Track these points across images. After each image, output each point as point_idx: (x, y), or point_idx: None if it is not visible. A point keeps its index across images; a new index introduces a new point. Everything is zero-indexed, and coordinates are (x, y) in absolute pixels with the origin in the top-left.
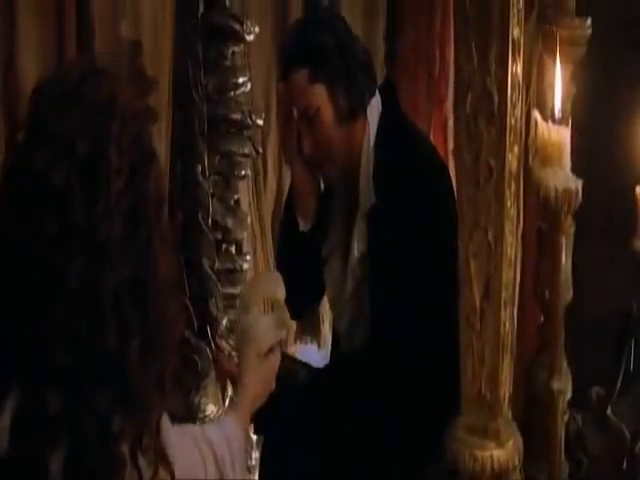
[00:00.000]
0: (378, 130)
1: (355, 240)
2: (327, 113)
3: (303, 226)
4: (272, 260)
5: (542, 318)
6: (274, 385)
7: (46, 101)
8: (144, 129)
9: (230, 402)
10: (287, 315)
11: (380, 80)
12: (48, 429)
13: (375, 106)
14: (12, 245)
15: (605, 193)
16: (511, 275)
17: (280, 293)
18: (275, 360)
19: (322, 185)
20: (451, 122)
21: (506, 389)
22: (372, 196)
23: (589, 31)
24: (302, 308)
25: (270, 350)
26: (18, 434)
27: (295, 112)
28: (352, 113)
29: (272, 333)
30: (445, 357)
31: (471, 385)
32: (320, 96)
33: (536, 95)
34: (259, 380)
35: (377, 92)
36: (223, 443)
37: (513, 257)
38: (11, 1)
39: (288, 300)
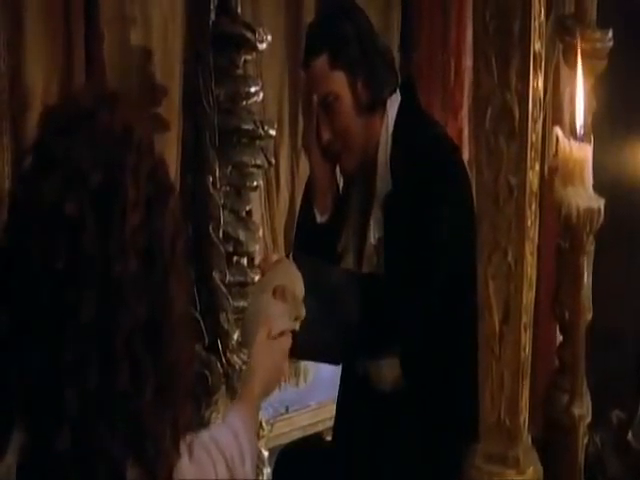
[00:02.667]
0: (396, 120)
1: (371, 227)
2: (346, 101)
3: (320, 218)
4: None
5: (560, 338)
6: (285, 371)
7: (57, 127)
8: (160, 162)
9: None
10: (303, 312)
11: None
12: (56, 470)
13: (395, 99)
14: (20, 279)
15: (621, 208)
16: (531, 297)
17: (299, 289)
18: (286, 343)
19: (340, 179)
20: (466, 132)
21: (526, 415)
22: (389, 184)
23: (610, 43)
24: None
25: (281, 333)
26: (25, 473)
27: (315, 99)
28: (371, 105)
29: (286, 319)
30: (462, 353)
31: (490, 411)
32: (340, 83)
33: (552, 109)
34: (269, 364)
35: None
36: (231, 441)
37: (534, 278)
38: (18, 10)
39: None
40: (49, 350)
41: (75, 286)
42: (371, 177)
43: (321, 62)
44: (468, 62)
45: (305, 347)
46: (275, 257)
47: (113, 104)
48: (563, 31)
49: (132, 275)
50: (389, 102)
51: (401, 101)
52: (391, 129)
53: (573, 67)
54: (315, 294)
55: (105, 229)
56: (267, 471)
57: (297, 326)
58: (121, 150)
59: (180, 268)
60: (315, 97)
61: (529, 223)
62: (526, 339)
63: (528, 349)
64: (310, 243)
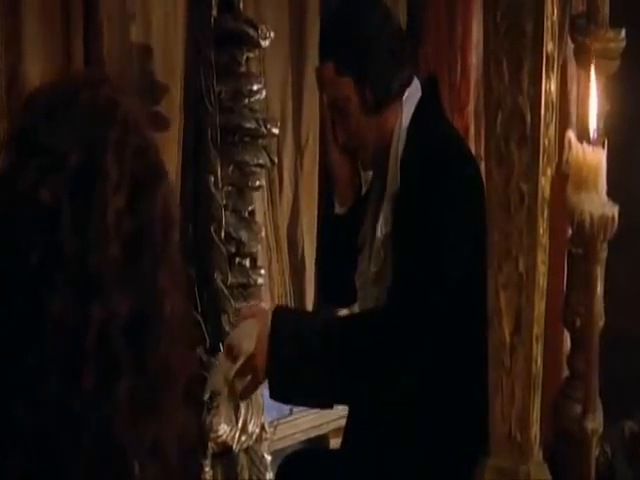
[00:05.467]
0: (413, 117)
1: (380, 222)
2: (354, 104)
3: (339, 209)
4: (287, 274)
5: (570, 346)
6: None
7: (38, 110)
8: (151, 142)
9: None
10: (232, 373)
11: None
12: None
13: (413, 94)
14: None
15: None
16: (543, 307)
17: (245, 347)
18: None
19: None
20: (472, 129)
21: (537, 429)
22: (398, 181)
23: (623, 43)
24: (339, 296)
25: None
26: None
27: (326, 101)
28: (380, 104)
29: (219, 379)
30: (471, 364)
31: (500, 426)
32: (347, 88)
33: (559, 110)
34: None
35: (417, 82)
36: None
37: (545, 288)
38: (16, 6)
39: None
40: (10, 352)
41: (47, 280)
42: (384, 172)
43: (328, 68)
44: (474, 59)
45: (290, 394)
46: (246, 311)
47: (99, 84)
48: (575, 30)
49: (113, 263)
50: (406, 97)
51: (421, 98)
52: (405, 125)
53: (584, 67)
54: (297, 345)
55: (84, 213)
56: (269, 476)
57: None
58: (103, 125)
59: (173, 259)
60: (326, 100)
61: (541, 231)
62: (537, 351)
63: (540, 361)
64: (329, 233)
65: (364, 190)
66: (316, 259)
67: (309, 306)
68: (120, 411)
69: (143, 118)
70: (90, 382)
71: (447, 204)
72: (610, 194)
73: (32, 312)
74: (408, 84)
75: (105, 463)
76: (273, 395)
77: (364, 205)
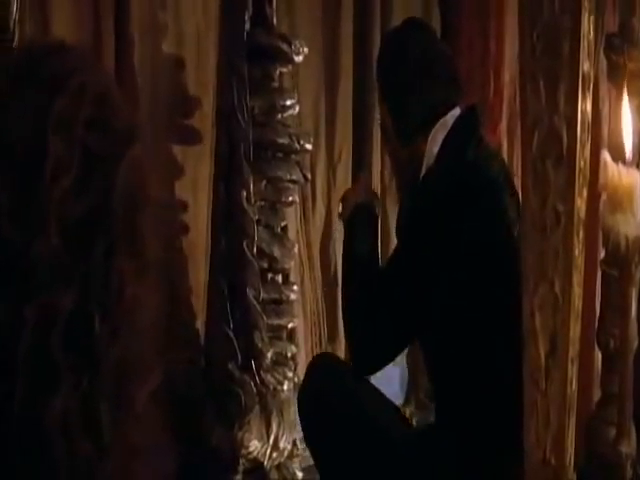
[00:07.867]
0: (442, 146)
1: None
2: (390, 130)
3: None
4: (320, 290)
5: (601, 368)
6: None
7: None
8: (114, 112)
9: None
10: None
11: None
12: None
13: (446, 123)
14: None
15: None
16: (578, 329)
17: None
18: None
19: None
20: (506, 145)
21: (572, 452)
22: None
23: None
24: None
25: None
26: None
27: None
28: (411, 136)
29: None
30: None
31: (535, 449)
32: (385, 114)
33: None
34: None
35: (456, 110)
36: None
37: (580, 310)
38: (46, 17)
39: None
40: None
41: None
42: None
43: (378, 94)
44: (507, 76)
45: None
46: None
47: (60, 53)
48: (609, 50)
49: (56, 254)
50: (438, 126)
51: (454, 125)
52: (435, 151)
53: (618, 87)
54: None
55: (22, 202)
56: None
57: None
58: (50, 97)
59: (139, 240)
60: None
61: (577, 252)
62: (572, 373)
63: (575, 383)
64: None
65: None
66: None
67: (341, 323)
68: (54, 431)
69: (107, 87)
70: (22, 396)
71: (420, 224)
72: None
73: None
74: (444, 113)
75: None
76: None
77: None
